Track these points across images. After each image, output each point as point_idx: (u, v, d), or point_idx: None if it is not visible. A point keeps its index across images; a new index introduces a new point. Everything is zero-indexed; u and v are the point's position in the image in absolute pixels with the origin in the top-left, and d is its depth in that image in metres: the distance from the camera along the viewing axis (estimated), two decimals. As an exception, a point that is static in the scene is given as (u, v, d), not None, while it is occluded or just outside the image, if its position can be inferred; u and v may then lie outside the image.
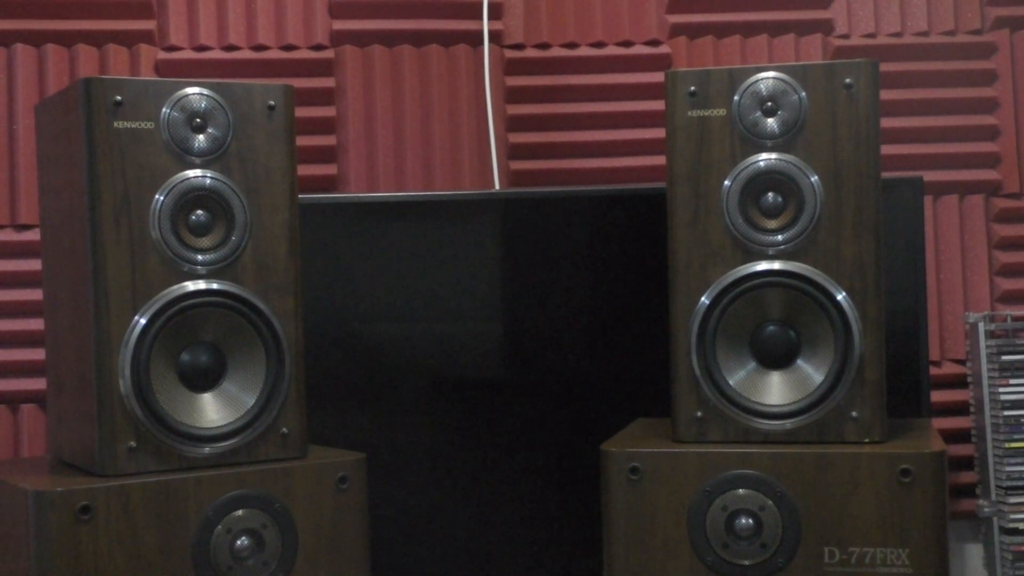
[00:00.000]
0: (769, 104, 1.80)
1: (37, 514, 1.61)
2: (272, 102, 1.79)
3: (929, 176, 2.41)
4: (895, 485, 1.71)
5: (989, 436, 2.31)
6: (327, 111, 2.45)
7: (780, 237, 1.80)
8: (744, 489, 1.75)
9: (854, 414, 1.79)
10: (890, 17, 2.54)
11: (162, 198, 1.72)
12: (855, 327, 1.78)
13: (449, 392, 2.24)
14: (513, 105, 2.51)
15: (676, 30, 2.53)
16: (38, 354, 2.23)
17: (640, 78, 2.52)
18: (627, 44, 2.53)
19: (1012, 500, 2.28)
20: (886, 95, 2.37)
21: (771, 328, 1.82)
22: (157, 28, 2.40)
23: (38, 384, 2.28)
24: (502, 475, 2.23)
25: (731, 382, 1.81)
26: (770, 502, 1.74)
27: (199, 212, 1.75)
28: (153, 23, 2.39)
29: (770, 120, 1.80)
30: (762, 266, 1.80)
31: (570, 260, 2.27)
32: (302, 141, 2.18)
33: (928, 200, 2.48)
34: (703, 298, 1.81)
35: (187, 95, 1.74)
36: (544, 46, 2.52)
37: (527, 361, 2.26)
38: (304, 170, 2.28)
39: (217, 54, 2.41)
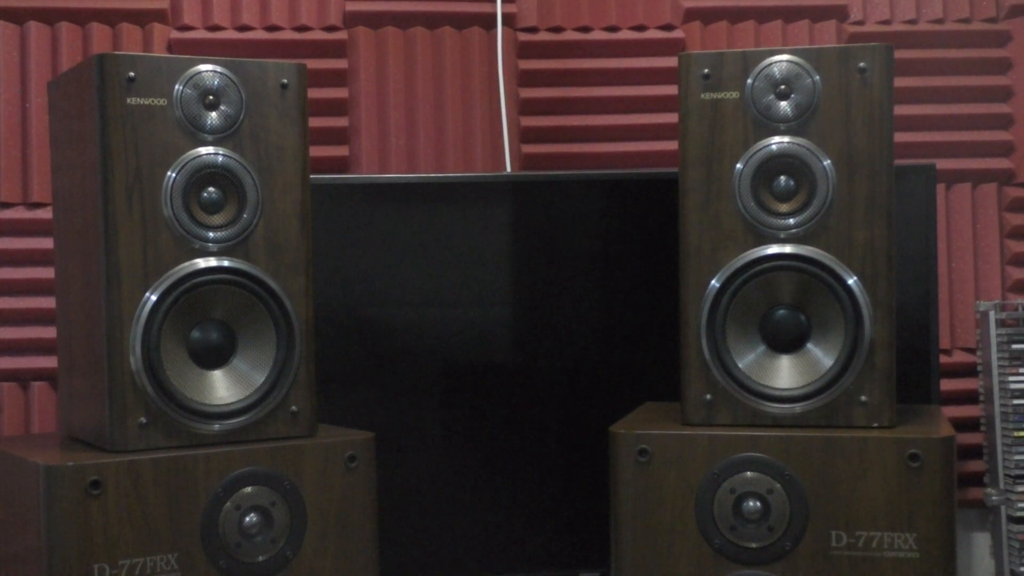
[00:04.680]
0: (783, 87, 1.80)
1: (47, 488, 1.62)
2: (285, 80, 1.79)
3: (942, 164, 2.41)
4: (903, 470, 1.71)
5: (998, 425, 2.31)
6: (340, 92, 2.45)
7: (792, 221, 1.80)
8: (752, 472, 1.75)
9: (863, 399, 1.79)
10: (905, 4, 2.54)
11: (174, 175, 1.72)
12: (866, 312, 1.77)
13: (458, 373, 2.24)
14: (526, 88, 2.51)
15: (690, 15, 2.52)
16: (49, 332, 2.24)
17: (653, 62, 2.52)
18: (641, 28, 2.53)
19: (1020, 489, 2.28)
20: (900, 82, 2.36)
21: (781, 312, 1.82)
22: (170, 7, 2.40)
23: (49, 362, 2.29)
24: (511, 457, 2.23)
25: (740, 365, 1.81)
26: (778, 485, 1.74)
27: (211, 190, 1.75)
28: (167, 2, 2.40)
29: (783, 103, 1.80)
30: (773, 250, 1.80)
31: (581, 243, 2.27)
32: (314, 122, 2.19)
33: (940, 188, 2.48)
34: (713, 281, 1.81)
35: (200, 72, 1.74)
36: (557, 29, 2.52)
37: (537, 343, 2.27)
38: (316, 151, 2.29)
39: (230, 34, 2.41)
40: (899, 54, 2.26)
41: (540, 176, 2.30)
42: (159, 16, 2.39)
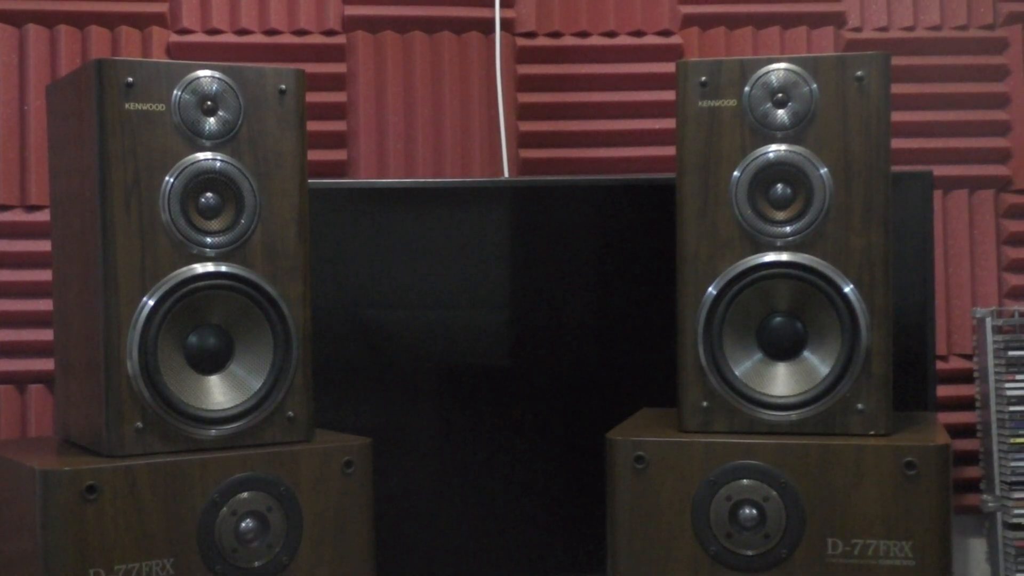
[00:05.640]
0: (780, 95, 1.80)
1: (43, 493, 1.62)
2: (283, 86, 1.79)
3: (939, 171, 2.41)
4: (899, 478, 1.71)
5: (995, 431, 2.31)
6: (338, 96, 2.45)
7: (788, 229, 1.80)
8: (748, 479, 1.75)
9: (860, 406, 1.79)
10: (903, 11, 2.54)
11: (172, 180, 1.72)
12: (862, 320, 1.78)
13: (456, 379, 2.24)
14: (524, 93, 2.52)
15: (688, 21, 2.53)
16: (46, 335, 2.24)
17: (651, 68, 2.52)
18: (639, 34, 2.53)
19: (1016, 495, 2.28)
20: (897, 89, 2.37)
21: (778, 319, 1.82)
22: (169, 11, 2.40)
23: (46, 364, 2.29)
24: (508, 462, 2.23)
25: (737, 373, 1.82)
26: (774, 493, 1.74)
27: (209, 195, 1.75)
28: (166, 5, 2.40)
29: (780, 111, 1.80)
30: (770, 257, 1.80)
31: (578, 249, 2.27)
32: (312, 126, 2.19)
33: (938, 195, 2.48)
34: (710, 288, 1.82)
35: (199, 78, 1.74)
36: (556, 35, 2.52)
37: (534, 349, 2.27)
38: (314, 155, 2.29)
39: (229, 38, 2.41)
40: (896, 60, 2.26)
41: (538, 181, 2.30)
42: (158, 20, 2.39)
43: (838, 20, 2.54)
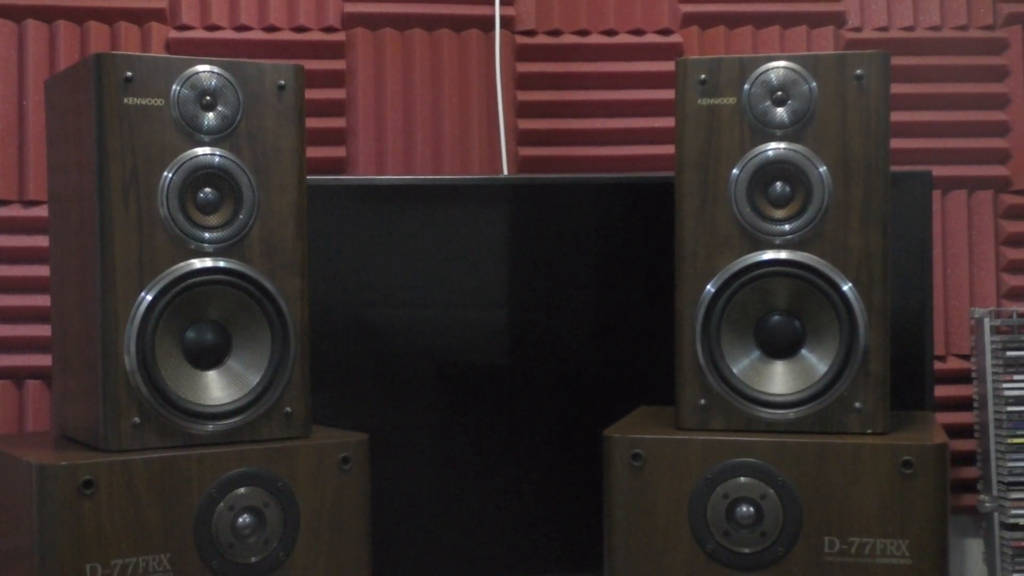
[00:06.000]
0: (779, 94, 1.80)
1: (40, 487, 1.62)
2: (282, 82, 1.79)
3: (938, 171, 2.41)
4: (896, 476, 1.71)
5: (992, 432, 2.31)
6: (337, 93, 2.45)
7: (787, 227, 1.80)
8: (746, 477, 1.75)
9: (857, 405, 1.79)
10: (903, 11, 2.54)
11: (170, 175, 1.72)
12: (860, 318, 1.78)
13: (454, 376, 2.24)
14: (523, 91, 2.51)
15: (688, 19, 2.53)
16: (43, 330, 2.24)
17: (651, 67, 2.52)
18: (639, 32, 2.53)
19: (1013, 496, 2.28)
20: (897, 89, 2.37)
21: (776, 317, 1.82)
22: (169, 6, 2.40)
23: (43, 360, 2.29)
24: (505, 460, 2.23)
25: (735, 371, 1.82)
26: (771, 491, 1.74)
27: (207, 190, 1.75)
28: (165, 1, 2.39)
29: (780, 110, 1.80)
30: (768, 255, 1.80)
31: (577, 247, 2.27)
32: (311, 123, 2.19)
33: (936, 195, 2.48)
34: (709, 286, 1.81)
35: (197, 73, 1.74)
36: (555, 33, 2.52)
37: (532, 346, 2.26)
38: (313, 152, 2.28)
39: (228, 34, 2.41)
40: (896, 60, 2.26)
41: (537, 179, 2.30)
42: (157, 15, 2.39)
43: (838, 20, 2.54)
